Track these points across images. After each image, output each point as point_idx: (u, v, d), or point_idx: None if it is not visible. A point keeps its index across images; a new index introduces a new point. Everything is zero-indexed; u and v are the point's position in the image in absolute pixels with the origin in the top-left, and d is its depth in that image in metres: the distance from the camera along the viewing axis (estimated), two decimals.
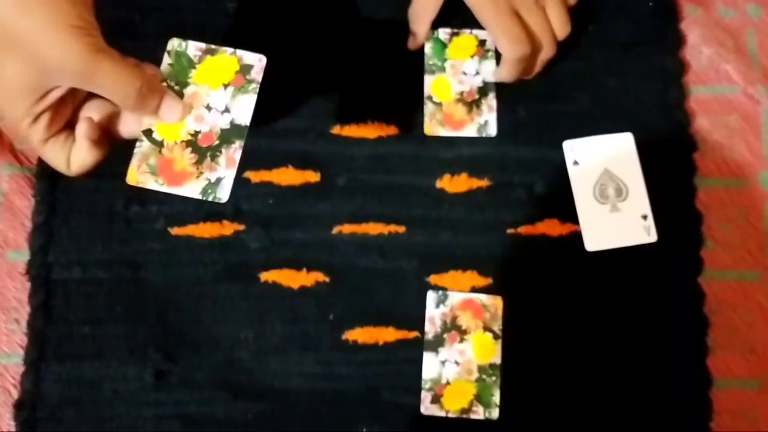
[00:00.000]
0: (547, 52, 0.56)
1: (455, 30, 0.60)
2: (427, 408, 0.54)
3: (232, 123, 0.45)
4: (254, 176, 0.58)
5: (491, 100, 0.59)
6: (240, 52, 0.46)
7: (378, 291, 0.57)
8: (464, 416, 0.54)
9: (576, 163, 0.58)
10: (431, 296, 0.56)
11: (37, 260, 0.57)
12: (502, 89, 0.60)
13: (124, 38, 0.54)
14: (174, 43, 0.46)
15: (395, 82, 0.60)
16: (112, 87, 0.41)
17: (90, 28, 0.40)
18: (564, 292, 0.57)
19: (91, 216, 0.57)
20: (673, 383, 0.55)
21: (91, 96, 0.44)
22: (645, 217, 0.57)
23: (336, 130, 0.59)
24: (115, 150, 0.59)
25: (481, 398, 0.55)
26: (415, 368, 0.55)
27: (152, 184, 0.44)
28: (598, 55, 0.61)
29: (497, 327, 0.56)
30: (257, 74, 0.45)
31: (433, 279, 0.57)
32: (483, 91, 0.59)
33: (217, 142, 0.45)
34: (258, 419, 0.55)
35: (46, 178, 0.58)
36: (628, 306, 0.56)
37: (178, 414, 0.55)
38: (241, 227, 0.57)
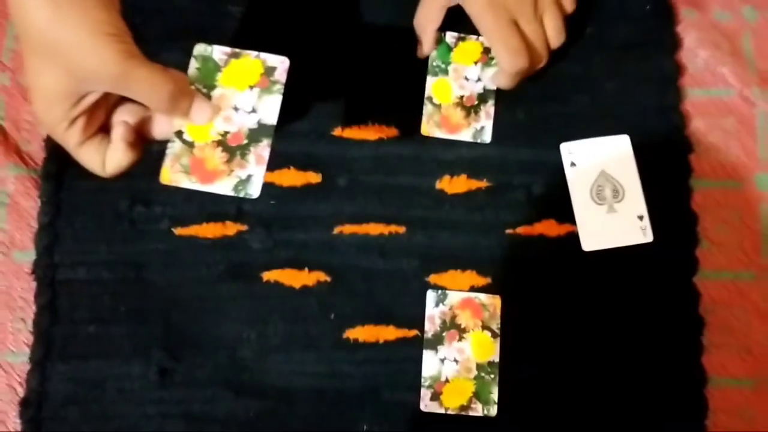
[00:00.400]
0: (541, 62, 0.57)
1: (462, 35, 0.60)
2: (426, 405, 0.55)
3: (259, 123, 0.47)
4: None
5: (490, 107, 0.60)
6: (264, 54, 0.47)
7: (378, 290, 0.57)
8: (463, 413, 0.55)
9: (573, 164, 0.59)
10: (431, 295, 0.57)
11: (43, 260, 0.57)
12: (501, 92, 0.60)
13: None
14: (200, 48, 0.47)
15: (396, 84, 0.61)
16: (146, 91, 0.42)
17: (122, 35, 0.41)
18: (561, 292, 0.57)
19: (95, 217, 0.58)
20: (669, 382, 0.56)
21: (123, 100, 0.46)
22: (641, 218, 0.58)
23: (337, 131, 0.60)
24: None
25: (479, 396, 0.55)
26: (415, 366, 0.56)
27: (185, 182, 0.46)
28: (595, 58, 0.62)
29: (496, 326, 0.56)
30: (281, 75, 0.47)
31: (432, 278, 0.58)
32: (483, 97, 0.60)
33: (246, 141, 0.46)
34: (260, 417, 0.55)
35: (51, 180, 0.59)
36: (624, 305, 0.57)
37: (182, 412, 0.55)
38: (243, 228, 0.58)
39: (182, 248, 0.58)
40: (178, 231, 0.58)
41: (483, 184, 0.59)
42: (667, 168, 0.59)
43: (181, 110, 0.45)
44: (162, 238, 0.58)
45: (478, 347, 0.56)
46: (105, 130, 0.46)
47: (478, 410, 0.55)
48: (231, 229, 0.58)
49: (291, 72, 0.60)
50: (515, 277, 0.58)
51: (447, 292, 0.57)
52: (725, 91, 0.62)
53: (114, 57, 0.40)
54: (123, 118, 0.45)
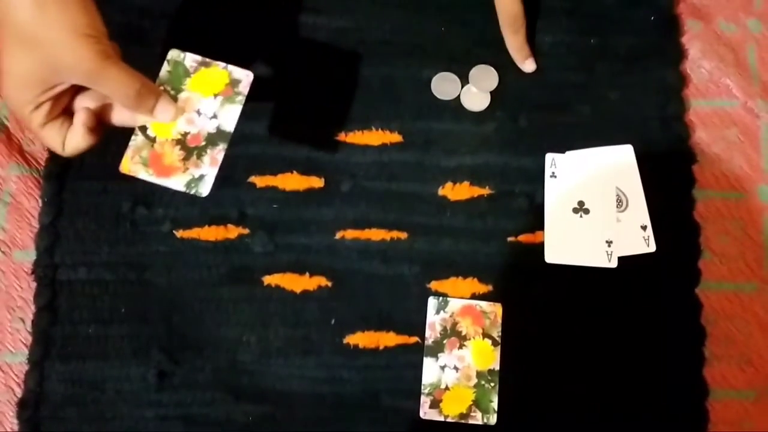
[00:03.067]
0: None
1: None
2: (426, 413, 0.55)
3: (218, 128, 0.49)
4: (259, 181, 0.59)
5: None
6: (231, 67, 0.50)
7: (379, 296, 0.57)
8: (463, 421, 0.55)
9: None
10: (432, 302, 0.57)
11: (44, 260, 0.57)
12: (505, 100, 0.61)
13: (133, 43, 0.56)
14: (173, 54, 0.50)
15: (399, 90, 0.61)
16: (115, 89, 0.46)
17: (100, 36, 0.44)
18: (562, 301, 0.57)
19: (97, 218, 0.58)
20: (670, 393, 0.56)
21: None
22: (644, 228, 0.58)
23: (341, 137, 0.60)
24: (122, 152, 0.60)
25: (479, 404, 0.55)
26: (415, 373, 0.56)
27: (143, 174, 0.49)
28: (599, 68, 0.62)
29: (496, 333, 0.56)
30: (244, 88, 0.50)
31: (433, 285, 0.58)
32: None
33: (203, 143, 0.49)
34: (259, 421, 0.55)
35: (53, 180, 0.59)
36: (626, 315, 0.57)
37: (180, 415, 0.55)
38: (245, 231, 0.58)
39: (183, 251, 0.58)
40: (180, 233, 0.58)
41: (485, 191, 0.59)
42: (671, 178, 0.59)
43: (146, 108, 0.48)
44: (163, 240, 0.58)
45: (478, 355, 0.56)
46: (67, 112, 0.48)
47: (477, 418, 0.55)
48: (233, 232, 0.58)
49: (295, 77, 0.61)
50: (516, 286, 0.58)
51: (448, 299, 0.57)
52: (729, 103, 0.62)
53: (90, 56, 0.43)
54: (85, 104, 0.48)
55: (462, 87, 0.61)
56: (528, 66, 0.61)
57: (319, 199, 0.59)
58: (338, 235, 0.58)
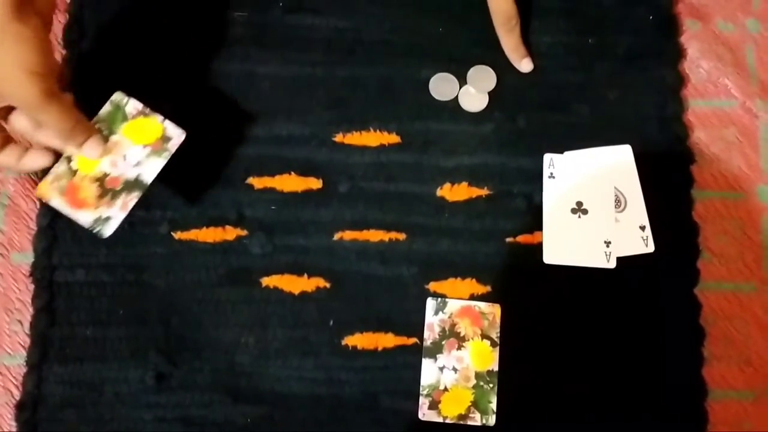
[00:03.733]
0: None
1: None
2: (424, 414, 0.55)
3: (137, 176, 0.52)
4: (257, 182, 0.59)
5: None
6: (167, 122, 0.53)
7: (378, 297, 0.57)
8: (461, 423, 0.55)
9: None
10: (430, 303, 0.57)
11: (41, 262, 0.57)
12: (503, 100, 0.60)
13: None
14: (117, 97, 0.53)
15: (397, 91, 0.61)
16: (52, 123, 0.49)
17: (48, 75, 0.47)
18: (561, 301, 0.57)
19: None
20: (670, 393, 0.56)
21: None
22: (643, 228, 0.57)
23: (338, 137, 0.60)
24: None
25: (478, 405, 0.55)
26: (414, 374, 0.56)
27: (55, 201, 0.51)
28: (597, 68, 0.62)
29: (495, 334, 0.56)
30: (173, 145, 0.53)
31: (432, 286, 0.57)
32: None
33: (120, 187, 0.52)
34: (257, 423, 0.55)
35: None
36: (625, 315, 0.57)
37: (179, 417, 0.55)
38: (243, 232, 0.58)
39: (182, 252, 0.58)
40: (178, 235, 0.58)
41: (484, 191, 0.59)
42: (669, 178, 0.59)
43: (76, 142, 0.51)
44: (161, 241, 0.58)
45: (477, 356, 0.56)
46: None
47: (476, 420, 0.55)
48: (231, 233, 0.58)
49: (293, 77, 0.61)
50: (515, 286, 0.57)
51: (447, 300, 0.57)
52: (727, 103, 0.62)
53: (35, 93, 0.46)
54: (21, 122, 0.51)
55: (460, 88, 0.61)
56: (525, 66, 0.61)
57: (318, 200, 0.59)
58: (336, 236, 0.58)
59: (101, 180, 0.52)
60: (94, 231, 0.51)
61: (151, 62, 0.61)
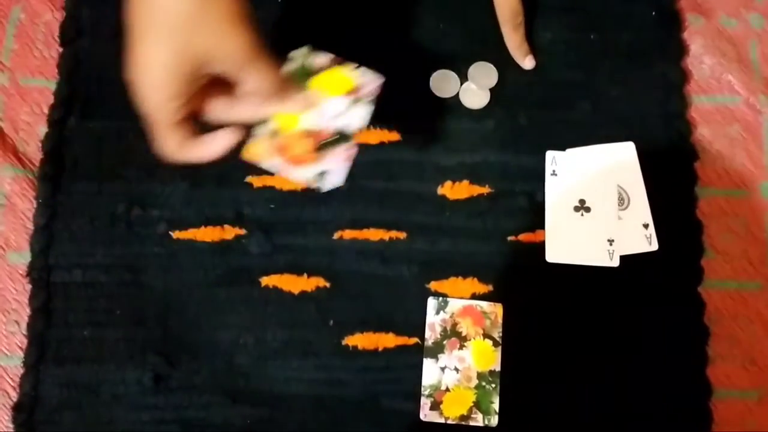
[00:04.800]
0: None
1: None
2: (426, 414, 0.54)
3: (345, 127, 0.49)
4: (256, 181, 0.59)
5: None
6: (363, 69, 0.50)
7: (378, 297, 0.57)
8: (463, 423, 0.54)
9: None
10: (431, 303, 0.56)
11: (38, 262, 0.57)
12: (504, 97, 0.60)
13: None
14: (304, 51, 0.51)
15: (398, 88, 0.60)
16: (259, 80, 0.46)
17: (252, 25, 0.44)
18: (563, 300, 0.57)
19: (92, 219, 0.58)
20: (673, 392, 0.55)
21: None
22: (646, 226, 0.57)
23: None
24: (117, 152, 0.60)
25: (480, 405, 0.54)
26: (415, 374, 0.55)
27: (270, 161, 0.49)
28: (600, 64, 0.61)
29: (497, 334, 0.56)
30: (372, 92, 0.50)
31: (433, 285, 0.57)
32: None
33: (331, 139, 0.49)
34: (257, 424, 0.55)
35: (48, 181, 0.58)
36: (628, 314, 0.56)
37: (177, 418, 0.55)
38: (242, 232, 0.58)
39: (180, 252, 0.57)
40: (176, 234, 0.57)
41: (485, 190, 0.59)
42: (673, 176, 0.59)
43: (281, 98, 0.48)
44: (159, 241, 0.57)
45: (479, 356, 0.55)
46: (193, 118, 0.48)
47: (478, 420, 0.54)
48: (229, 233, 0.58)
49: None
50: (517, 285, 0.57)
51: (448, 299, 0.56)
52: (731, 99, 0.61)
53: (247, 46, 0.43)
54: (217, 110, 0.48)
55: (461, 84, 0.61)
56: (527, 63, 0.61)
57: (317, 199, 0.58)
58: (336, 236, 0.58)
59: (310, 135, 0.49)
60: (314, 187, 0.48)
61: None
